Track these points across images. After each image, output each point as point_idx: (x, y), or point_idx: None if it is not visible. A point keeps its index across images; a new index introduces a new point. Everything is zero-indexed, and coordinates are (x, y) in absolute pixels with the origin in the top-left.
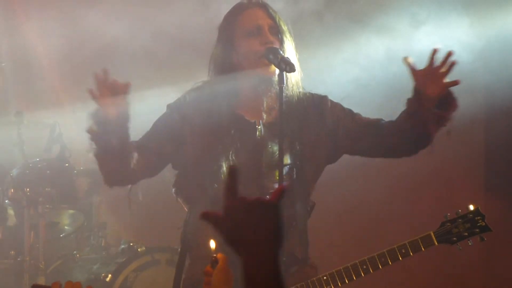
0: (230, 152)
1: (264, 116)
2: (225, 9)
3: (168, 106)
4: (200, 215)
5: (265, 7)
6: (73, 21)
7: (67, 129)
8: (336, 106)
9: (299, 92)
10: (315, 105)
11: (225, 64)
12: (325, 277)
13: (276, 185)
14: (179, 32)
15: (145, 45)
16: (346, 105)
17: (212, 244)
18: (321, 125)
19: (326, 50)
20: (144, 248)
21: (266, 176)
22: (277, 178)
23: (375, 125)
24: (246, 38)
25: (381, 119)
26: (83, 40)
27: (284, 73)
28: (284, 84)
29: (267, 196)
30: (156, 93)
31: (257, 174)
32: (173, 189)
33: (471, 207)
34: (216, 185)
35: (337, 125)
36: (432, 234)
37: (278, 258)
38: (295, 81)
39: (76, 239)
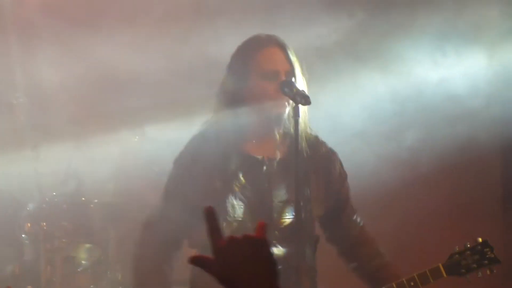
0: (238, 192)
1: (274, 152)
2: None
3: (174, 162)
4: (188, 259)
5: (284, 48)
6: (89, 53)
7: (83, 163)
8: (342, 176)
9: (309, 133)
10: (325, 155)
11: (236, 97)
12: None
13: (288, 221)
14: (195, 65)
15: (161, 78)
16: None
17: None
18: (328, 178)
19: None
20: None
21: (276, 211)
22: (286, 214)
23: (354, 235)
24: (261, 80)
25: (363, 231)
26: (100, 73)
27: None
28: (299, 117)
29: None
30: (170, 126)
31: (268, 210)
32: None
33: (479, 240)
34: (224, 225)
35: (338, 196)
36: (440, 266)
37: None
38: (303, 121)
39: (93, 274)
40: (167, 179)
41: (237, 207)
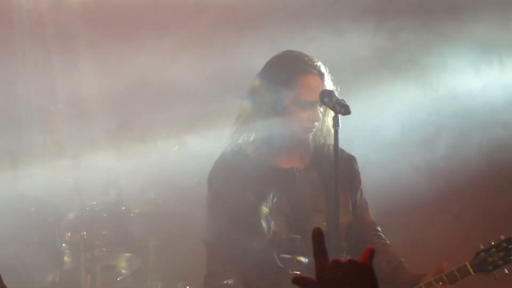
0: (271, 204)
1: (301, 163)
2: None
3: (207, 182)
4: (292, 279)
5: (323, 76)
6: (129, 63)
7: (123, 172)
8: (359, 180)
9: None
10: (346, 161)
11: (268, 113)
12: None
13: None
14: (233, 75)
15: (199, 88)
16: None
17: None
18: (350, 182)
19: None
20: None
21: (310, 221)
22: (319, 223)
23: (366, 234)
24: (296, 107)
25: (377, 233)
26: (139, 82)
27: (339, 115)
28: (339, 126)
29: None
30: (210, 136)
31: (303, 221)
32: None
33: (502, 237)
34: (256, 244)
35: (357, 196)
36: (468, 264)
37: None
38: (326, 133)
39: (133, 283)
40: (207, 199)
41: (271, 220)
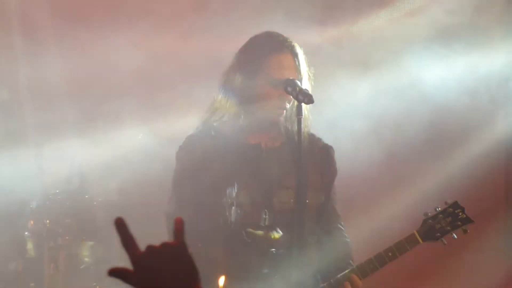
0: (239, 178)
1: (272, 141)
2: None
3: (176, 155)
4: (108, 272)
5: (295, 55)
6: (94, 50)
7: (87, 161)
8: (334, 168)
9: (306, 130)
10: (322, 149)
11: (240, 92)
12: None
13: (287, 206)
14: (198, 63)
15: (164, 76)
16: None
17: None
18: (323, 170)
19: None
20: None
21: (276, 196)
22: (286, 199)
23: (333, 226)
24: (267, 85)
25: (339, 226)
26: (103, 71)
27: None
28: (302, 115)
29: None
30: (174, 124)
31: (268, 195)
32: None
33: (448, 202)
34: (221, 219)
35: (329, 190)
36: (415, 232)
37: None
38: (303, 125)
39: (96, 271)
40: (173, 173)
41: (239, 193)
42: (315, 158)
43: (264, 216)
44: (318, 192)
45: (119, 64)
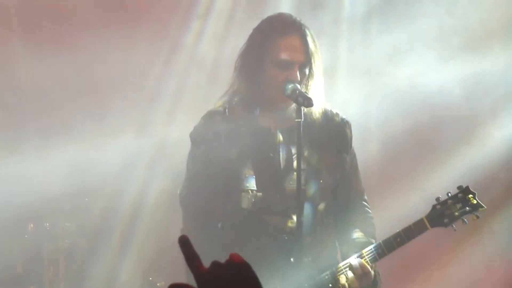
0: (250, 162)
1: (282, 123)
2: (231, 50)
3: (190, 136)
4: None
5: (304, 37)
6: (66, 56)
7: (87, 165)
8: (349, 144)
9: (324, 108)
10: (337, 125)
11: (251, 73)
12: (326, 276)
13: (294, 187)
14: (189, 66)
15: (154, 79)
16: None
17: None
18: (340, 145)
19: None
20: (163, 283)
21: (285, 180)
22: (295, 181)
23: (355, 202)
24: (273, 67)
25: (361, 202)
26: (98, 75)
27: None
28: (302, 119)
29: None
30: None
31: (280, 179)
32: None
33: (459, 188)
34: (232, 203)
35: (346, 160)
36: (424, 218)
37: None
38: (319, 96)
39: (97, 275)
40: (188, 155)
41: (249, 177)
42: (330, 134)
43: (276, 201)
44: (333, 171)
45: (110, 67)
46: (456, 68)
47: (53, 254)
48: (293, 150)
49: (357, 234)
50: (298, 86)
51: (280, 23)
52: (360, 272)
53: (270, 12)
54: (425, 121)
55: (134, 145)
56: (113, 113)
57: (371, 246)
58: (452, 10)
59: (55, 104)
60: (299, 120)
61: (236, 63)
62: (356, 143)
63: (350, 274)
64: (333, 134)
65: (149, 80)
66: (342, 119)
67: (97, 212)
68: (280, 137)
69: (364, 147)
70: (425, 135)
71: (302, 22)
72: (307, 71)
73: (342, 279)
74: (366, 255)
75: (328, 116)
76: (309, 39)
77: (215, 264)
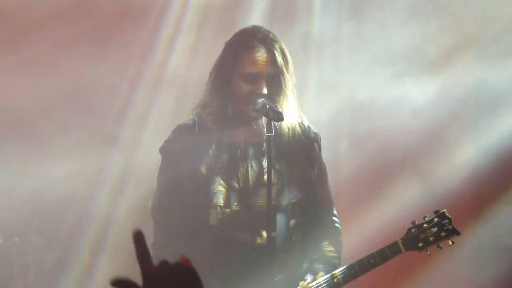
0: (219, 178)
1: (252, 137)
2: (201, 64)
3: (160, 151)
4: (111, 282)
5: (272, 50)
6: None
7: (57, 178)
8: (316, 157)
9: (294, 122)
10: (306, 138)
11: (220, 89)
12: None
13: (263, 202)
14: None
15: (124, 93)
16: None
17: None
18: (308, 159)
19: None
20: None
21: (255, 195)
22: (264, 197)
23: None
24: (242, 81)
25: (328, 217)
26: (71, 87)
27: (272, 122)
28: (272, 133)
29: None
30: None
31: (249, 193)
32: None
33: (436, 212)
34: (201, 217)
35: (313, 174)
36: (399, 241)
37: None
38: (289, 118)
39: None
40: (158, 169)
41: (217, 193)
42: (299, 149)
43: (243, 216)
44: (302, 186)
45: (82, 79)
46: (423, 84)
47: (22, 268)
48: (264, 165)
49: (327, 249)
50: (268, 100)
51: (248, 36)
52: None
53: (240, 25)
54: (394, 136)
55: (104, 159)
56: (81, 126)
57: (345, 266)
58: (422, 29)
59: (24, 119)
60: (270, 134)
61: (209, 76)
62: (326, 156)
63: None
64: (302, 149)
65: (119, 94)
66: (312, 133)
67: (66, 226)
68: (250, 151)
69: (335, 160)
70: (394, 152)
71: (271, 35)
72: (276, 84)
73: None
74: (339, 274)
75: (298, 130)
76: (277, 52)
77: (163, 263)
